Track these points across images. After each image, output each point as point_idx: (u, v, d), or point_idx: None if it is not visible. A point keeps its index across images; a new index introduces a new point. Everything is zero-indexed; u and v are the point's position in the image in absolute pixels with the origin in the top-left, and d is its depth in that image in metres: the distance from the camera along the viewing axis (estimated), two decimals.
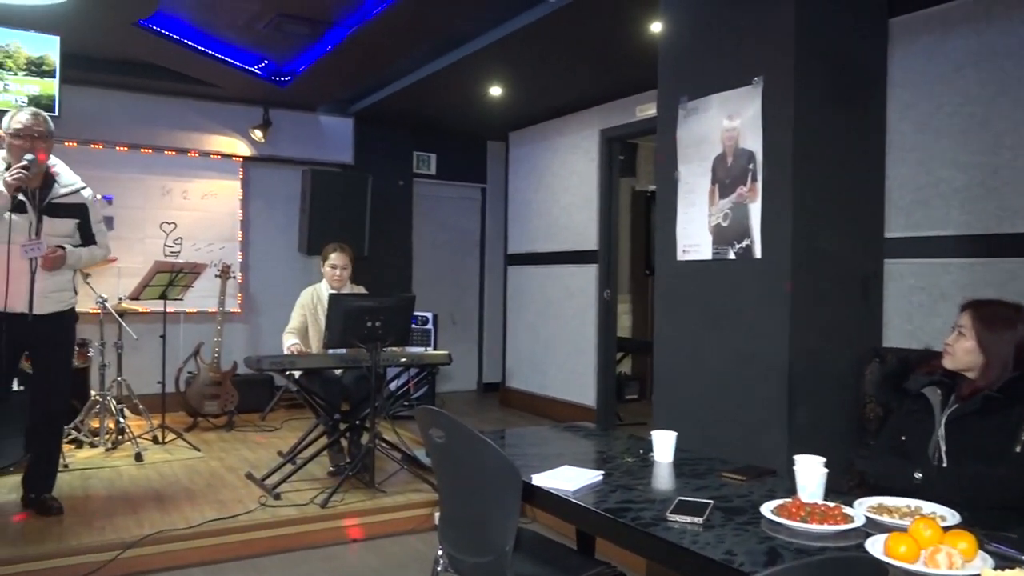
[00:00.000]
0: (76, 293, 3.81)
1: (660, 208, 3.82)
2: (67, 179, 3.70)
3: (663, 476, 2.31)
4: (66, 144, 6.04)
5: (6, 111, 3.71)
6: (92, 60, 5.77)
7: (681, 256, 3.66)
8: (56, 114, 5.36)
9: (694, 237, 3.60)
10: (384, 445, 4.45)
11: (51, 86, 5.31)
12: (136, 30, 5.08)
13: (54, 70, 5.30)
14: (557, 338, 6.73)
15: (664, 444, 2.45)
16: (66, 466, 4.50)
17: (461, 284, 8.14)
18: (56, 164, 3.71)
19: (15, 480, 3.91)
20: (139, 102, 6.30)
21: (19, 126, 3.53)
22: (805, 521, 1.81)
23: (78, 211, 3.70)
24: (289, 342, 4.53)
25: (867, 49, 3.46)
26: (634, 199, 7.90)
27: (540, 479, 2.15)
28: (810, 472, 2.00)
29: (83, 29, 5.13)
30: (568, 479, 2.14)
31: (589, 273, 6.40)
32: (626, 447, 2.65)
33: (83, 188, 3.75)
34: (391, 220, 7.34)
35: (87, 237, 3.77)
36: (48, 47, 5.26)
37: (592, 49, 5.01)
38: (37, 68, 5.27)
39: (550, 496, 2.09)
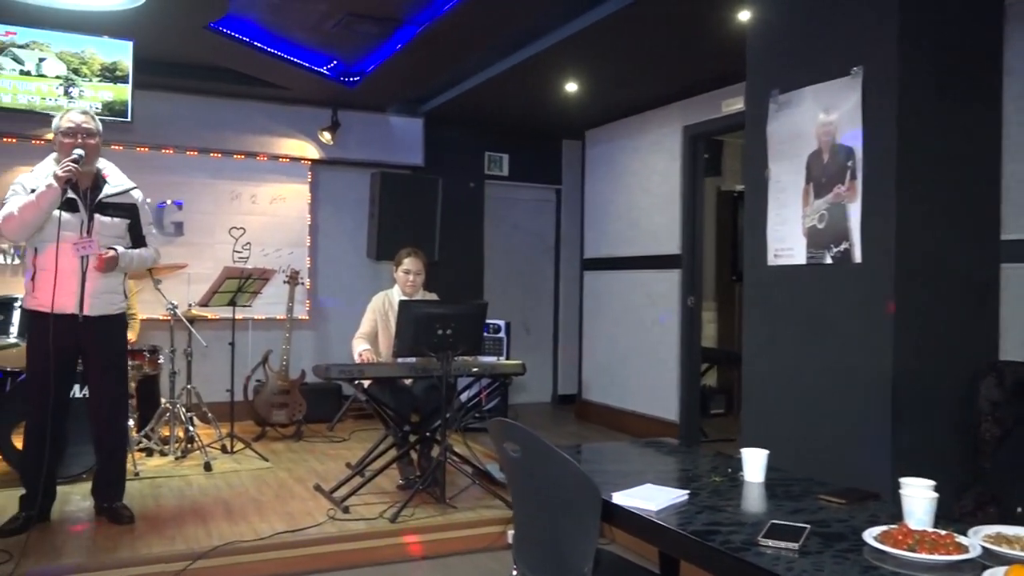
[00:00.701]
0: (126, 297, 3.97)
1: (749, 209, 3.75)
2: (117, 179, 3.88)
3: (754, 497, 2.26)
4: (138, 149, 6.33)
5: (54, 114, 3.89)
6: (163, 64, 6.02)
7: (772, 261, 3.58)
8: (129, 119, 5.63)
9: (787, 240, 3.52)
10: (455, 458, 4.49)
11: (124, 91, 5.56)
12: (207, 33, 5.28)
13: (127, 75, 5.55)
14: (637, 348, 6.67)
15: (755, 463, 2.40)
16: (137, 474, 4.69)
17: (535, 291, 8.15)
18: (106, 166, 3.88)
19: (88, 487, 4.10)
20: (209, 106, 6.54)
21: (70, 124, 3.71)
22: (913, 550, 1.75)
23: (128, 211, 3.86)
24: (360, 348, 4.62)
25: (980, 34, 3.33)
26: (720, 200, 7.78)
27: (620, 497, 2.13)
28: (918, 497, 1.93)
29: (155, 33, 5.36)
30: (650, 498, 2.12)
31: (671, 279, 6.32)
32: (713, 465, 2.61)
33: (133, 188, 3.91)
34: (462, 224, 7.41)
35: (138, 239, 3.92)
36: (121, 52, 5.52)
37: (674, 40, 4.97)
38: (111, 74, 5.54)
39: (631, 516, 2.07)
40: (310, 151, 6.91)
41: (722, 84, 5.79)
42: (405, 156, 7.23)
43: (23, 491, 3.75)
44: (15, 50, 5.35)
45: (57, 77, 5.46)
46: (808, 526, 1.92)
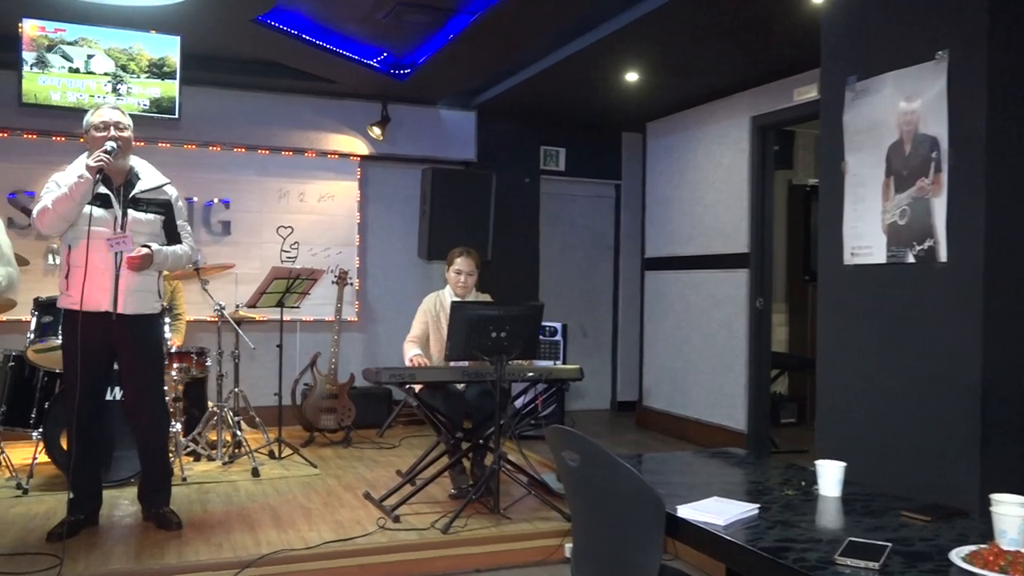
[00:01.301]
0: (161, 297, 4.05)
1: (823, 204, 3.69)
2: (150, 175, 3.97)
3: (830, 513, 2.22)
4: (185, 147, 6.49)
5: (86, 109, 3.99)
6: (210, 59, 6.17)
7: (849, 260, 3.51)
8: (176, 116, 5.77)
9: (865, 237, 3.45)
10: (509, 467, 4.50)
11: (172, 88, 5.71)
12: (254, 26, 5.39)
13: (175, 71, 5.70)
14: (701, 352, 6.61)
15: (830, 476, 2.36)
16: (184, 479, 4.81)
17: (593, 292, 8.13)
18: (138, 162, 3.98)
19: (136, 492, 4.21)
20: (256, 101, 6.68)
21: (102, 118, 3.82)
22: (1005, 572, 1.70)
23: (163, 207, 3.94)
24: (411, 352, 4.66)
25: None
26: (791, 194, 7.67)
27: (686, 510, 2.12)
28: (1011, 515, 1.88)
29: (202, 28, 5.49)
30: (718, 511, 2.10)
31: (739, 279, 6.25)
32: (784, 477, 2.58)
33: (167, 184, 4.00)
34: (516, 221, 7.43)
35: (172, 236, 4.00)
36: (169, 48, 5.66)
37: (742, 25, 4.90)
38: (158, 70, 5.69)
39: (697, 530, 2.05)
40: (359, 147, 7.01)
41: (794, 71, 5.70)
42: (457, 151, 7.27)
43: (71, 495, 3.87)
44: (64, 47, 5.53)
45: (105, 74, 5.63)
46: (889, 544, 1.88)
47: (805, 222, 7.61)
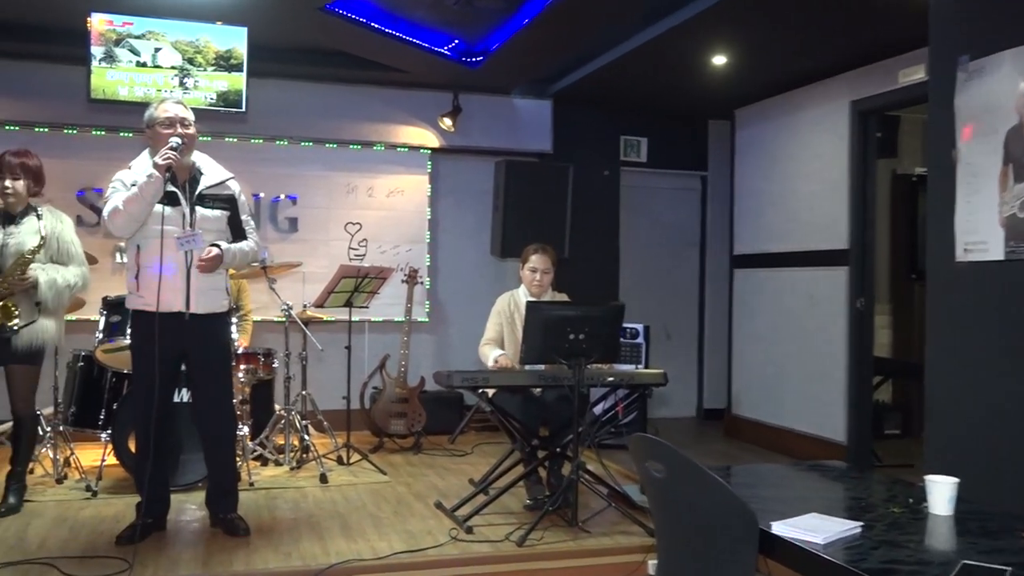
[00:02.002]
0: (229, 295, 4.17)
1: (932, 196, 3.59)
2: (213, 170, 4.08)
3: (941, 532, 2.17)
4: (252, 141, 6.66)
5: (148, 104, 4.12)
6: (277, 51, 6.32)
7: (962, 256, 3.41)
8: (243, 110, 5.94)
9: (980, 232, 3.34)
10: (588, 477, 4.49)
11: (239, 80, 5.88)
12: (322, 15, 5.50)
13: (242, 63, 5.87)
14: (796, 357, 6.51)
15: (941, 492, 2.30)
16: (252, 484, 4.94)
17: (677, 291, 8.06)
18: (200, 158, 4.09)
19: (204, 496, 4.35)
20: (323, 93, 6.81)
21: (167, 114, 3.94)
22: None
23: (227, 202, 4.05)
24: (494, 353, 4.69)
25: None
26: (895, 185, 7.49)
27: (781, 527, 2.09)
28: None
29: (269, 18, 5.63)
30: (816, 529, 2.07)
31: (837, 277, 6.13)
32: (890, 494, 2.53)
33: (230, 179, 4.11)
34: (595, 216, 7.41)
35: (238, 231, 4.11)
36: (236, 39, 5.83)
37: (841, 2, 4.80)
38: (225, 62, 5.87)
39: (793, 548, 2.02)
40: (430, 139, 7.09)
41: (898, 51, 5.56)
42: (532, 142, 7.29)
43: (139, 498, 4.02)
44: (132, 41, 5.75)
45: (172, 67, 5.83)
46: (1008, 568, 1.82)
47: (911, 215, 7.43)
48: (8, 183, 4.28)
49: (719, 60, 6.00)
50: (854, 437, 5.99)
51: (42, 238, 4.27)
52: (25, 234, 4.29)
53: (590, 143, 7.49)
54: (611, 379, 4.47)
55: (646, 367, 6.46)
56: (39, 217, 4.36)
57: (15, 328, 4.20)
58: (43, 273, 4.26)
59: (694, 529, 2.13)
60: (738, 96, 7.00)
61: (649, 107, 7.53)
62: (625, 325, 6.26)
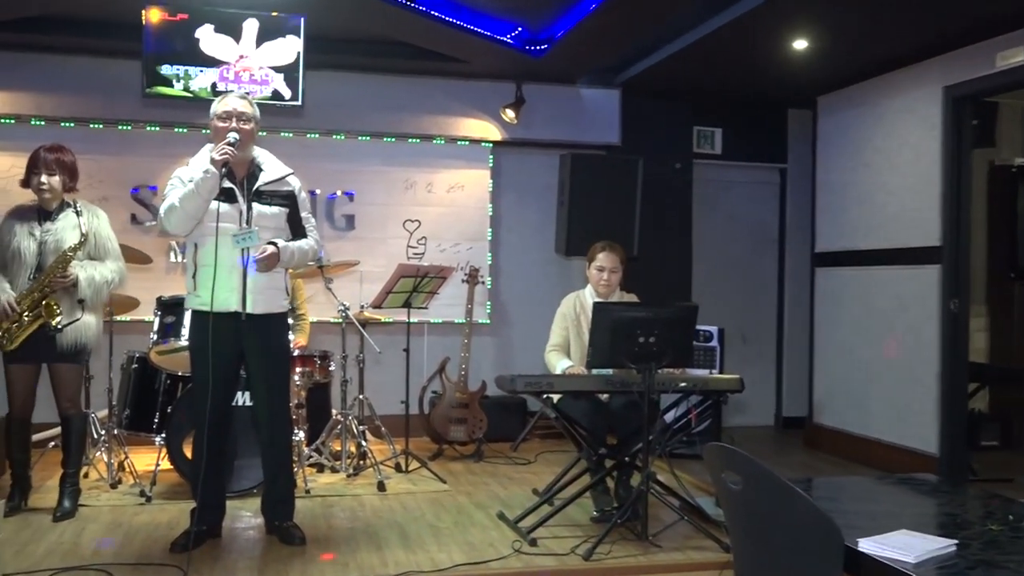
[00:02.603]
0: (288, 294, 4.24)
1: None
2: (272, 166, 4.16)
3: None
4: (308, 136, 6.77)
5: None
6: (334, 42, 6.42)
7: None
8: (300, 103, 6.05)
9: None
10: (659, 489, 4.47)
11: (295, 72, 5.99)
12: (380, 3, 5.57)
13: (298, 54, 5.97)
14: (884, 362, 6.39)
15: None
16: (308, 491, 5.03)
17: (754, 291, 7.98)
18: (260, 153, 4.18)
19: (259, 503, 4.44)
20: (381, 85, 6.89)
21: (226, 108, 4.03)
22: None
23: (286, 199, 4.13)
24: (562, 364, 4.69)
25: None
26: (992, 177, 7.30)
27: (868, 544, 2.06)
28: None
29: (325, 7, 5.73)
30: (907, 547, 2.04)
31: (928, 277, 6.01)
32: (987, 510, 2.47)
33: (290, 175, 4.18)
34: (666, 212, 7.37)
35: (297, 229, 4.18)
36: (292, 30, 5.94)
37: None
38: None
39: (882, 567, 2.00)
40: (491, 132, 7.12)
41: (997, 31, 5.44)
42: (599, 134, 7.28)
43: (194, 504, 4.11)
44: (187, 33, 5.89)
45: (228, 61, 5.96)
46: None
47: (1010, 209, 7.23)
48: (44, 179, 4.43)
49: (799, 44, 5.92)
50: (947, 448, 5.87)
51: (83, 235, 4.41)
52: (63, 231, 4.44)
53: (661, 134, 7.44)
54: (683, 385, 4.44)
55: (721, 372, 6.41)
56: (78, 213, 4.50)
57: (59, 327, 4.33)
58: (83, 271, 4.40)
59: (773, 545, 2.10)
60: (820, 82, 6.89)
61: (724, 96, 7.46)
62: (698, 327, 6.21)
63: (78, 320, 4.42)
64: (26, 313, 4.33)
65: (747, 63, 6.42)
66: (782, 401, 7.99)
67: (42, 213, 4.49)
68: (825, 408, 7.06)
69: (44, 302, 4.33)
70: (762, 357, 7.93)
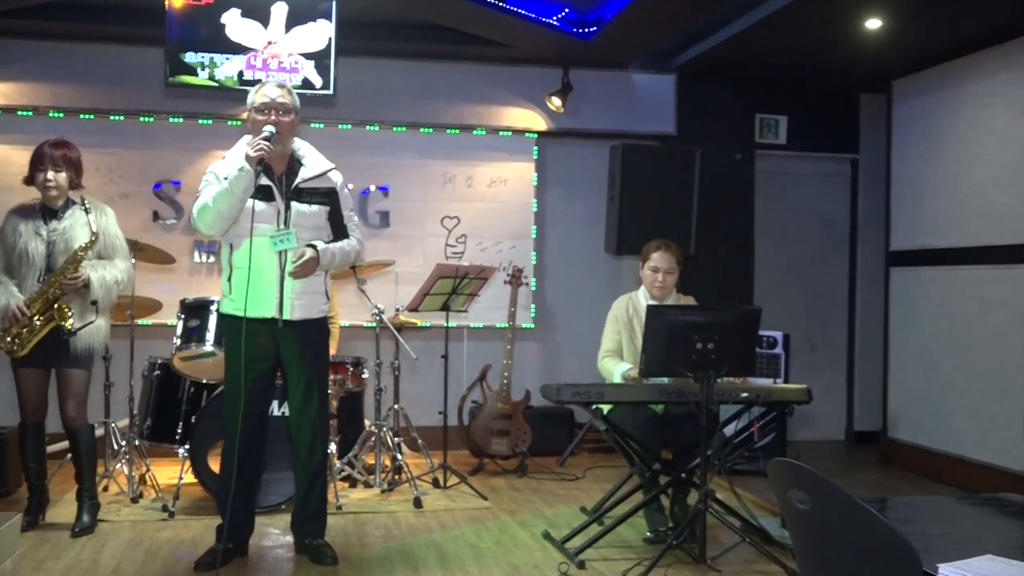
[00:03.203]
0: (328, 299, 4.27)
1: None
2: (313, 160, 4.19)
3: None
4: (339, 127, 6.83)
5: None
6: (367, 26, 6.47)
7: None
8: (331, 92, 6.10)
9: None
10: (718, 508, 4.44)
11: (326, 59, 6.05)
12: None
13: (329, 40, 6.03)
14: (966, 371, 6.30)
15: None
16: (339, 507, 5.08)
17: (823, 293, 7.92)
18: (301, 146, 4.21)
19: (288, 519, 4.48)
20: (418, 72, 6.93)
21: (264, 99, 4.06)
22: None
23: (327, 196, 4.16)
24: (621, 367, 4.68)
25: None
26: None
27: (950, 571, 2.03)
28: None
29: None
30: (991, 574, 2.00)
31: (1016, 278, 5.92)
32: None
33: (331, 169, 4.21)
34: (726, 207, 7.33)
35: (338, 229, 4.21)
36: (323, 14, 6.00)
37: None
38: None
39: None
40: (536, 121, 7.13)
41: None
42: (653, 123, 7.26)
43: (220, 520, 4.16)
44: (212, 20, 5.97)
45: (255, 48, 6.04)
46: None
47: None
48: (51, 176, 4.51)
49: (873, 24, 5.86)
50: None
51: (93, 233, 4.49)
52: (72, 229, 4.52)
53: (720, 123, 7.41)
54: (745, 395, 4.40)
55: (786, 382, 6.35)
56: (86, 211, 4.57)
57: (73, 330, 4.41)
58: (94, 271, 4.48)
59: (844, 571, 2.09)
60: (896, 65, 6.81)
61: (789, 80, 7.40)
62: (761, 333, 6.14)
63: (92, 323, 4.50)
64: (37, 317, 4.41)
65: (815, 44, 6.36)
66: (853, 413, 7.91)
67: (47, 211, 4.56)
68: (901, 421, 6.98)
69: (56, 305, 4.41)
70: (831, 365, 7.85)
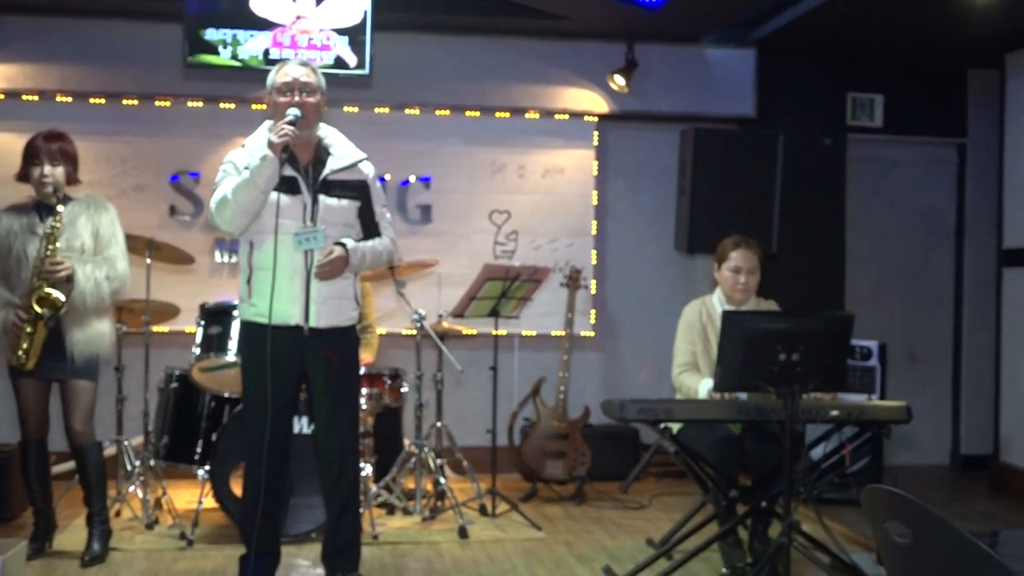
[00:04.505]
0: (358, 304, 4.29)
1: None
2: (343, 149, 4.20)
3: None
4: (376, 111, 6.87)
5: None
6: None
7: None
8: (367, 72, 6.14)
9: None
10: (804, 541, 4.41)
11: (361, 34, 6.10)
12: None
13: (364, 14, 6.08)
14: None
15: None
16: (375, 537, 5.11)
17: (924, 298, 7.83)
18: (329, 133, 4.22)
19: (319, 550, 4.51)
20: (464, 48, 6.95)
21: (285, 79, 4.08)
22: None
23: (358, 190, 4.16)
24: (704, 384, 4.63)
25: None
26: None
27: None
28: None
29: None
30: None
31: None
32: None
33: (363, 160, 4.22)
34: (812, 199, 7.26)
35: (369, 226, 4.22)
36: None
37: None
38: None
39: None
40: (596, 103, 7.12)
41: None
42: (729, 104, 7.23)
43: (243, 550, 4.20)
44: None
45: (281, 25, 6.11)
46: None
47: None
48: (47, 170, 4.60)
49: None
50: None
51: (94, 232, 4.59)
52: (71, 226, 4.59)
53: (806, 104, 7.33)
54: (835, 413, 4.36)
55: (882, 398, 6.30)
56: (87, 207, 4.68)
57: (61, 310, 4.45)
58: (81, 264, 4.52)
59: None
60: (1009, 36, 6.71)
61: (886, 54, 7.33)
62: (853, 342, 6.10)
63: (90, 325, 4.56)
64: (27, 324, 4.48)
65: (915, 12, 6.29)
66: (960, 435, 7.81)
67: (42, 209, 4.65)
68: (1015, 444, 6.89)
69: (38, 296, 4.44)
70: (934, 380, 7.77)
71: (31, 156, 4.62)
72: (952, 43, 6.94)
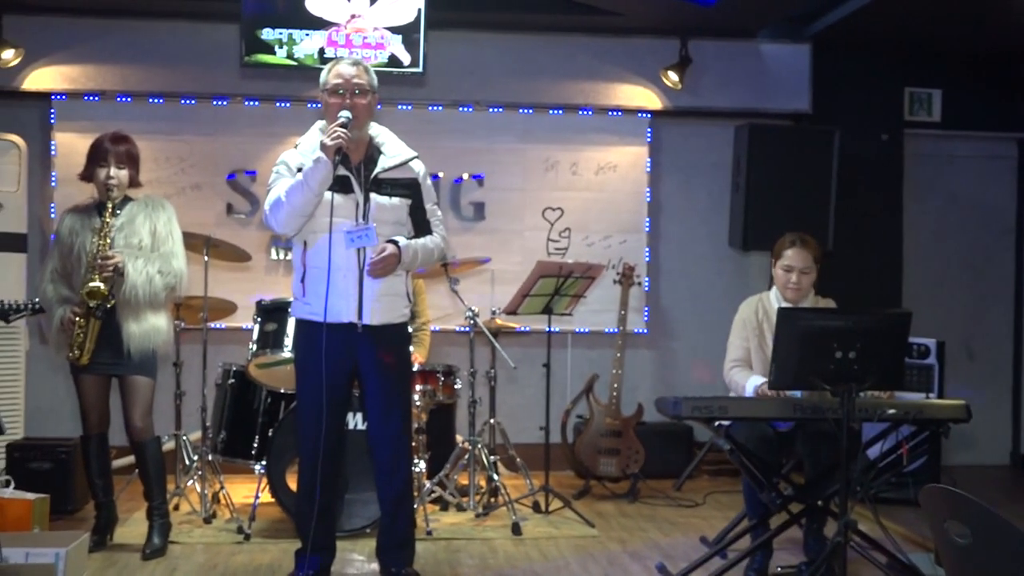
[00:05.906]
0: (410, 301, 4.31)
1: None
2: (394, 148, 4.22)
3: None
4: (429, 109, 6.91)
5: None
6: None
7: None
8: (420, 70, 6.18)
9: None
10: (860, 542, 4.37)
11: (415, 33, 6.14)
12: None
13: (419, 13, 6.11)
14: None
15: None
16: (429, 533, 5.14)
17: (983, 295, 7.75)
18: (380, 132, 4.25)
19: (373, 545, 4.55)
20: (517, 46, 6.98)
21: (337, 80, 4.09)
22: None
23: (409, 188, 4.18)
24: (753, 381, 4.61)
25: None
26: None
27: None
28: None
29: None
30: None
31: None
32: None
33: (413, 158, 4.24)
34: (870, 196, 7.21)
35: (421, 224, 4.24)
36: None
37: None
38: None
39: None
40: (650, 99, 7.11)
41: None
42: (784, 100, 7.19)
43: (299, 544, 4.24)
44: None
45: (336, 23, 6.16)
46: None
47: None
48: (113, 172, 4.66)
49: None
50: None
51: (152, 230, 4.66)
52: (130, 224, 4.66)
53: (863, 99, 7.28)
54: (892, 412, 4.31)
55: (940, 396, 6.22)
56: (146, 205, 4.75)
57: (111, 297, 4.51)
58: (132, 259, 4.57)
59: None
60: None
61: (945, 48, 7.25)
62: (911, 340, 6.04)
63: (145, 320, 4.63)
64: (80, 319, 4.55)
65: (974, 6, 6.23)
66: (1021, 434, 7.73)
67: (103, 209, 4.70)
68: None
69: (88, 289, 4.49)
70: (994, 378, 7.69)
71: (98, 157, 4.68)
72: (1011, 36, 6.84)
